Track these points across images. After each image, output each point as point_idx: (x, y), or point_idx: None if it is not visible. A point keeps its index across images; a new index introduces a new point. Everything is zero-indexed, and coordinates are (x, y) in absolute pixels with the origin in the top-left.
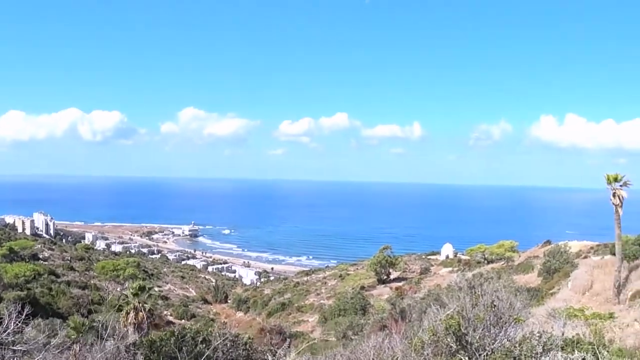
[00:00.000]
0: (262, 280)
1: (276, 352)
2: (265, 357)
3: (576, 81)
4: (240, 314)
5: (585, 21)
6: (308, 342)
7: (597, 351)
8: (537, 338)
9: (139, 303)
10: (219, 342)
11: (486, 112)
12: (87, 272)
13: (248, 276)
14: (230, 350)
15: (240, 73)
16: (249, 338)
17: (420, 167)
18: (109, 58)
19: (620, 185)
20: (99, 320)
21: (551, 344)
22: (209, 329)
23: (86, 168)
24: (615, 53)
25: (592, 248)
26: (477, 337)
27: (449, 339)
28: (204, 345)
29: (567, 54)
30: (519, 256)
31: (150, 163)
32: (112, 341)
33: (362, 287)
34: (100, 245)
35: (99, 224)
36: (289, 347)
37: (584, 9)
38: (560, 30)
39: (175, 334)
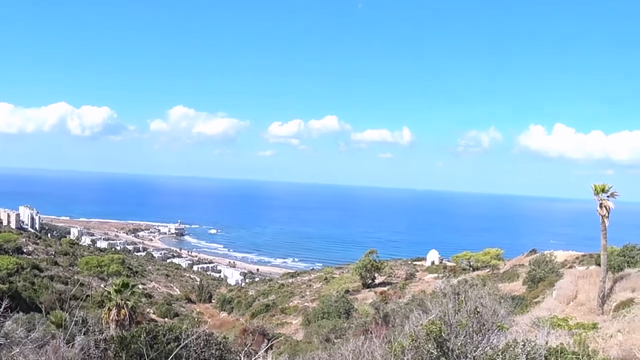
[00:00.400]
0: (247, 281)
1: (250, 353)
2: (238, 357)
3: (566, 92)
4: (224, 314)
5: (576, 32)
6: (290, 344)
7: None
8: (521, 346)
9: (122, 300)
10: (190, 339)
11: (476, 119)
12: (71, 267)
13: (233, 276)
14: (203, 350)
15: (231, 73)
16: (224, 337)
17: (409, 173)
18: (100, 54)
19: (608, 196)
20: (76, 316)
21: (535, 353)
22: (183, 327)
23: (74, 163)
24: (606, 65)
25: (577, 258)
26: (459, 344)
27: (429, 345)
28: (176, 344)
29: (558, 64)
30: (505, 264)
31: (138, 160)
32: (81, 337)
33: (347, 291)
34: (86, 240)
35: (84, 219)
36: (270, 348)
37: (575, 21)
38: (552, 40)
39: (146, 330)
